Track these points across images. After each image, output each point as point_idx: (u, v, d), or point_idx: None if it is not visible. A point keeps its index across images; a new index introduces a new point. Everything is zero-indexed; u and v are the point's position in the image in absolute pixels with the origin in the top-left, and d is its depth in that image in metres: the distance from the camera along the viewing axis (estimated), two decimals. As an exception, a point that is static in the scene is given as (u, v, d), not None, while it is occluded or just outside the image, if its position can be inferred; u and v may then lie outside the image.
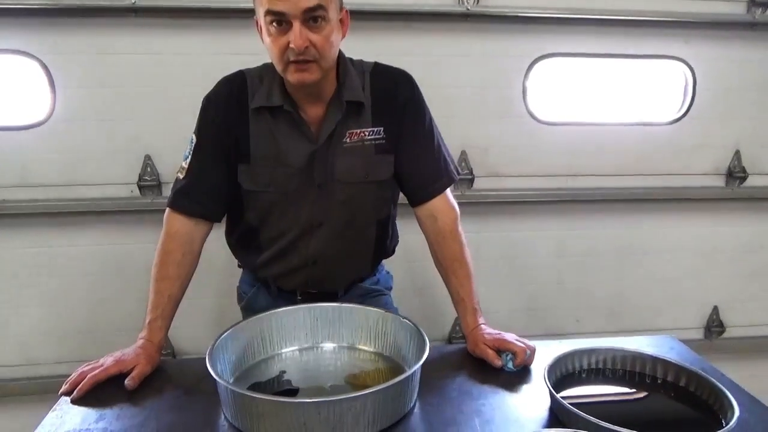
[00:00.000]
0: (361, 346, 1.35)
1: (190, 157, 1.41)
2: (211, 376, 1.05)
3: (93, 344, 2.35)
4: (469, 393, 1.18)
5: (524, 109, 2.33)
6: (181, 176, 1.42)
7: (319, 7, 1.21)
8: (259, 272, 1.51)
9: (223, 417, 1.09)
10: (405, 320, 1.29)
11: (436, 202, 1.45)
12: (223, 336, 1.22)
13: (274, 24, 1.22)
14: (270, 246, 1.48)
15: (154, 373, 1.25)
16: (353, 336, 1.36)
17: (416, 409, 1.12)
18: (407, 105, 1.42)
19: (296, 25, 1.21)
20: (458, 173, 1.52)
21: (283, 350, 1.34)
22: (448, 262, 1.45)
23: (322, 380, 1.24)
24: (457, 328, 2.53)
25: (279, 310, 1.35)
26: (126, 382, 1.18)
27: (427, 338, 1.19)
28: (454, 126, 2.29)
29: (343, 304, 1.37)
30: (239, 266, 1.66)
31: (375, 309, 1.35)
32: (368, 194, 1.44)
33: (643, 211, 2.51)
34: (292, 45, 1.22)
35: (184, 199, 1.40)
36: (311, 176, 1.39)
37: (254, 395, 1.01)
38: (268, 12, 1.21)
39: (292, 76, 1.27)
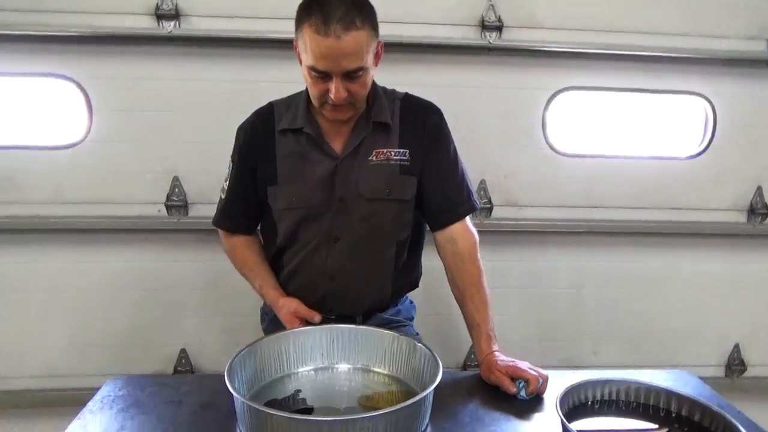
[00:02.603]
0: (375, 368, 1.35)
1: (229, 179, 1.55)
2: (229, 391, 1.07)
3: (118, 358, 2.40)
4: (481, 420, 1.18)
5: (544, 141, 2.35)
6: (222, 196, 1.59)
7: (360, 68, 1.28)
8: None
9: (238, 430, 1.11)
10: (420, 345, 1.30)
11: (457, 227, 1.49)
12: (241, 353, 1.24)
13: (314, 74, 1.29)
14: (291, 260, 1.53)
15: (174, 387, 1.28)
16: (368, 358, 1.36)
17: (428, 434, 1.13)
18: (434, 132, 1.48)
19: (336, 81, 1.28)
20: (478, 206, 1.56)
21: (300, 369, 1.35)
22: (466, 286, 1.46)
23: (336, 400, 1.25)
24: (472, 355, 2.51)
25: (297, 329, 1.38)
26: (316, 320, 1.42)
27: (440, 362, 1.20)
28: (475, 155, 2.31)
29: (360, 326, 1.39)
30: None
31: (389, 332, 1.36)
32: (388, 212, 1.48)
33: (663, 245, 2.50)
34: (331, 95, 1.29)
35: (225, 219, 1.60)
36: (332, 190, 1.44)
37: (271, 411, 1.02)
38: (311, 67, 1.28)
39: (328, 114, 1.38)
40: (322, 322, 1.49)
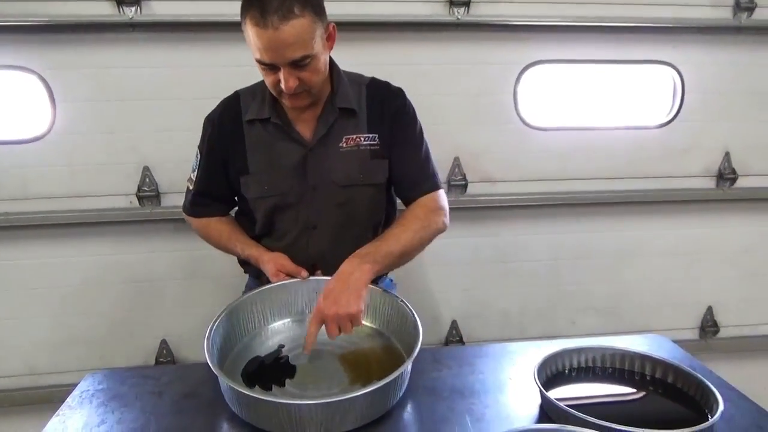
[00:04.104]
0: None
1: (197, 170, 1.54)
2: (211, 379, 1.08)
3: (97, 353, 2.38)
4: (460, 392, 1.21)
5: (516, 116, 2.36)
6: (190, 186, 1.58)
7: (305, 57, 1.26)
8: (262, 276, 1.55)
9: (222, 420, 1.11)
10: (402, 303, 1.33)
11: (425, 199, 1.48)
12: (224, 311, 1.30)
13: (262, 66, 1.29)
14: (272, 249, 1.53)
15: (154, 379, 1.28)
16: None
17: (408, 408, 1.15)
18: (398, 114, 1.48)
19: (284, 71, 1.27)
20: (442, 184, 1.53)
21: (285, 321, 1.42)
22: (404, 214, 1.45)
23: (320, 355, 1.28)
24: (454, 331, 2.55)
25: (281, 282, 1.42)
26: (302, 274, 1.42)
27: (420, 323, 1.23)
28: (447, 133, 2.33)
29: None
30: (245, 271, 1.70)
31: (376, 287, 1.38)
32: (364, 197, 1.50)
33: (635, 214, 2.54)
34: (282, 86, 1.29)
35: (196, 207, 1.59)
36: (305, 178, 1.45)
37: (250, 394, 1.05)
38: (258, 60, 1.28)
39: (286, 102, 1.38)
40: None
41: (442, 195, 1.50)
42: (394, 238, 1.35)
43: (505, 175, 2.42)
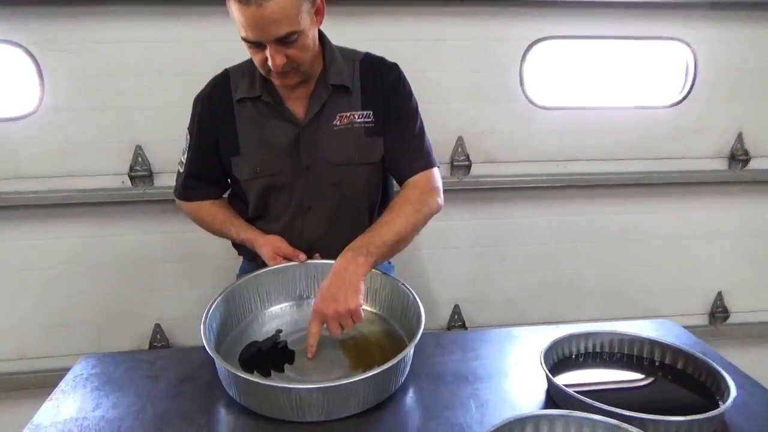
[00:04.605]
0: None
1: (187, 152, 1.53)
2: (207, 361, 1.08)
3: (90, 337, 2.38)
4: (464, 378, 1.21)
5: (521, 94, 2.34)
6: (181, 169, 1.57)
7: (291, 33, 1.24)
8: (258, 258, 1.54)
9: (220, 404, 1.11)
10: (403, 286, 1.34)
11: (418, 179, 1.46)
12: (220, 296, 1.30)
13: (248, 44, 1.28)
14: (266, 233, 1.53)
15: (149, 363, 1.28)
16: None
17: (411, 393, 1.15)
18: (393, 89, 1.47)
19: (271, 48, 1.25)
20: (437, 163, 1.51)
21: (282, 305, 1.43)
22: (395, 199, 1.43)
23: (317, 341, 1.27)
24: (456, 316, 2.56)
25: (277, 266, 1.42)
26: (300, 257, 1.43)
27: (422, 306, 1.24)
28: (450, 112, 2.31)
29: None
30: (239, 254, 1.70)
31: (375, 270, 1.37)
32: (359, 177, 1.49)
33: (645, 196, 2.53)
34: (269, 64, 1.27)
35: (187, 190, 1.58)
36: (298, 158, 1.44)
37: (249, 378, 1.05)
38: (243, 38, 1.26)
39: (275, 81, 1.36)
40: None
41: (436, 174, 1.48)
42: (387, 227, 1.35)
43: (510, 155, 2.41)
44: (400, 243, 1.36)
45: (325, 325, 1.22)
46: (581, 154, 2.44)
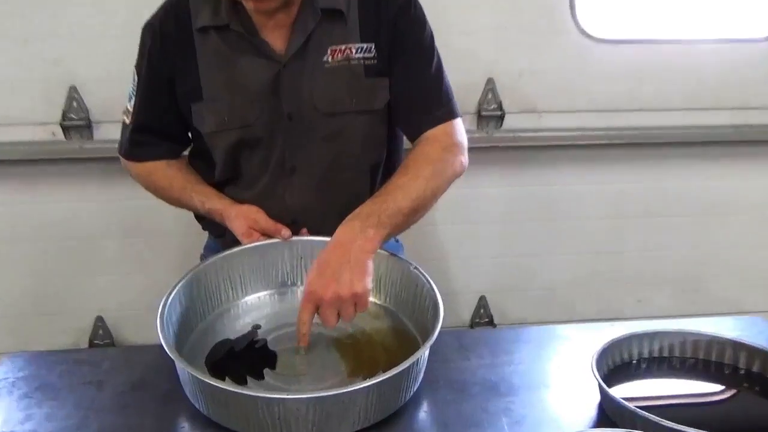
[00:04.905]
0: None
1: (134, 98, 1.52)
2: (166, 361, 1.09)
3: (14, 332, 2.43)
4: (494, 388, 1.22)
5: (572, 23, 2.33)
6: (127, 120, 1.55)
7: None
8: (228, 235, 1.55)
9: (182, 418, 1.13)
10: (416, 270, 1.34)
11: (436, 132, 1.45)
12: (182, 281, 1.29)
13: None
14: (239, 201, 1.53)
15: (92, 365, 1.29)
16: None
17: (425, 407, 1.16)
18: (401, 14, 1.45)
19: None
20: (460, 113, 1.50)
21: (259, 295, 1.43)
22: (410, 157, 1.42)
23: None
24: (482, 311, 2.58)
25: (253, 244, 1.42)
26: (283, 233, 1.42)
27: (439, 297, 1.23)
28: (478, 47, 2.31)
29: None
30: (204, 228, 1.71)
31: (381, 251, 1.37)
32: (357, 129, 1.48)
33: (729, 157, 2.54)
34: None
35: (136, 147, 1.57)
36: (278, 104, 1.43)
37: (220, 386, 1.05)
38: None
39: (247, 3, 1.33)
40: None
41: (458, 126, 1.47)
42: (402, 191, 1.33)
43: (555, 103, 2.40)
44: (416, 212, 1.35)
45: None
46: (648, 101, 2.43)
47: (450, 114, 1.47)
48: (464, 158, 1.45)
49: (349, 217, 1.28)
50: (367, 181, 1.56)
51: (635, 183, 2.52)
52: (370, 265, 1.22)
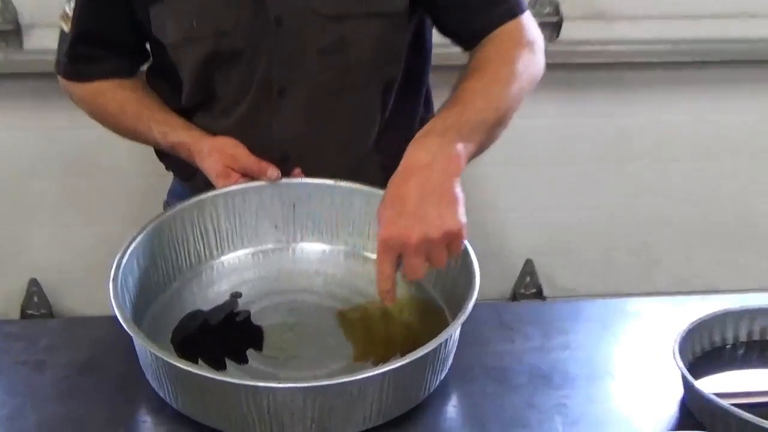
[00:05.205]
0: (367, 253, 1.40)
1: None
2: (121, 343, 1.10)
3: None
4: (545, 378, 1.23)
5: None
6: (66, 28, 1.51)
7: None
8: (198, 177, 1.55)
9: (141, 410, 1.14)
10: None
11: (503, 32, 1.41)
12: (140, 235, 1.29)
13: None
14: (212, 133, 1.52)
15: (28, 340, 1.31)
16: (354, 235, 1.41)
17: (454, 400, 1.17)
18: None
19: None
20: (525, 5, 1.47)
21: (239, 253, 1.43)
22: (479, 58, 1.40)
23: (298, 313, 1.30)
24: (528, 278, 2.59)
25: (232, 188, 1.41)
26: (270, 174, 1.41)
27: (475, 260, 1.23)
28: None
29: (340, 183, 1.41)
30: (167, 168, 1.72)
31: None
32: (365, 38, 1.45)
33: None
34: None
35: (78, 63, 1.55)
36: (262, 5, 1.41)
37: (190, 369, 1.05)
38: None
39: None
40: None
41: (528, 22, 1.43)
42: (482, 98, 1.27)
43: (628, 7, 2.38)
44: (500, 125, 1.30)
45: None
46: (753, 7, 2.39)
47: (515, 8, 1.42)
48: (542, 58, 1.42)
49: (420, 134, 1.21)
50: (378, 107, 1.55)
51: (730, 115, 2.51)
52: (460, 191, 1.16)
